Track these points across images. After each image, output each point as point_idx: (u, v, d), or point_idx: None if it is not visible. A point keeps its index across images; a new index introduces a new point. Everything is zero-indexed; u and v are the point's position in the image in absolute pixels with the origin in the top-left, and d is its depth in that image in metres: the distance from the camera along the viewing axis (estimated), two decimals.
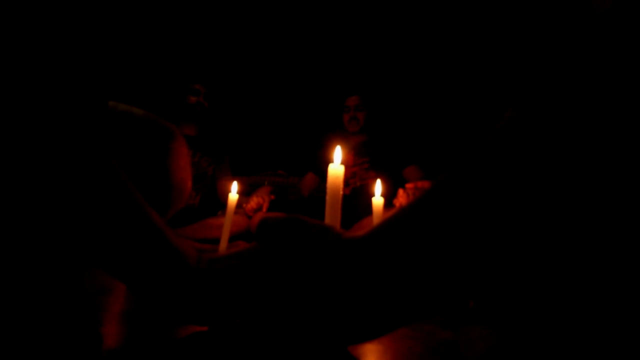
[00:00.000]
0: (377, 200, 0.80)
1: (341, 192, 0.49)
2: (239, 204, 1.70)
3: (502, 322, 0.50)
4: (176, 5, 2.49)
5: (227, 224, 0.87)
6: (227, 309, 0.37)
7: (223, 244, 0.86)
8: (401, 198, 1.60)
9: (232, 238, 0.92)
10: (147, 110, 0.58)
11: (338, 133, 2.25)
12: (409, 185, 1.61)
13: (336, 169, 0.49)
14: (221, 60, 2.71)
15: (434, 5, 2.44)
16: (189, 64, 2.45)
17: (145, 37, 2.39)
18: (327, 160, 0.50)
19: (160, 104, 2.17)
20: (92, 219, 0.36)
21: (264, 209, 1.93)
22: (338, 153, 0.52)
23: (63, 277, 0.44)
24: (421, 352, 0.40)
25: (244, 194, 1.92)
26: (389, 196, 1.45)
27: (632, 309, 0.29)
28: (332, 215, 0.48)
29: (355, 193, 2.10)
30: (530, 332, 0.34)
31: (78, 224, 0.36)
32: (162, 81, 2.32)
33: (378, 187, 0.83)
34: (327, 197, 0.49)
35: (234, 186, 0.93)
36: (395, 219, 0.32)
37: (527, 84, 0.31)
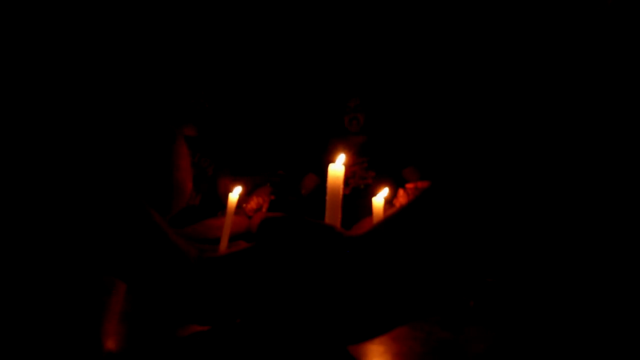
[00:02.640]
0: (377, 201, 0.81)
1: (341, 192, 0.49)
2: (239, 204, 1.70)
3: (502, 322, 0.50)
4: (177, 5, 2.49)
5: (227, 224, 0.87)
6: (227, 308, 0.37)
7: (223, 244, 0.86)
8: (401, 198, 1.60)
9: (232, 238, 0.92)
10: (148, 111, 0.58)
11: (339, 134, 2.26)
12: (409, 186, 1.61)
13: (336, 169, 0.49)
14: (221, 60, 2.71)
15: (433, 5, 2.44)
16: (189, 65, 2.45)
17: (145, 38, 2.39)
18: (328, 161, 0.50)
19: (161, 104, 2.17)
20: (94, 219, 0.36)
21: (264, 209, 1.93)
22: (341, 158, 0.52)
23: (63, 277, 0.44)
24: (421, 352, 0.40)
25: (244, 194, 1.92)
26: (388, 196, 1.45)
27: (632, 309, 0.29)
28: (332, 215, 0.48)
29: (355, 193, 2.10)
30: (530, 332, 0.34)
31: (80, 224, 0.36)
32: (162, 82, 2.32)
33: (382, 191, 0.83)
34: (327, 197, 0.49)
35: (237, 189, 0.93)
36: (395, 218, 0.32)
37: (525, 82, 0.31)
